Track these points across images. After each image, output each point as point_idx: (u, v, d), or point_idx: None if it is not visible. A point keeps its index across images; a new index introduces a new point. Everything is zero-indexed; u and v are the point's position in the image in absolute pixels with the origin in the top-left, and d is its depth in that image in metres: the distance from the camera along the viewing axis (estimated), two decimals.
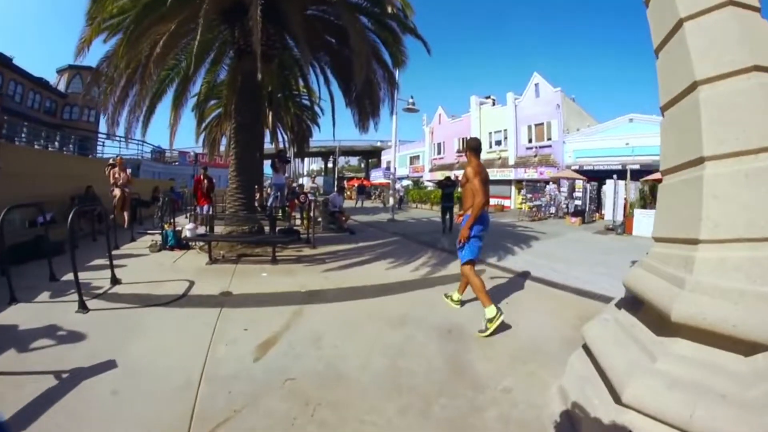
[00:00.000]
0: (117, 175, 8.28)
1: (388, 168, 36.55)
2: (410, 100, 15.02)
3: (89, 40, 6.56)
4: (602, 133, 19.97)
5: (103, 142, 20.18)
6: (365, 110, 8.66)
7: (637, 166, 15.38)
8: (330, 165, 51.77)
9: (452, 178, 12.57)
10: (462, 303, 4.03)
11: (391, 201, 16.69)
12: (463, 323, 3.53)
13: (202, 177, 8.79)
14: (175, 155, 29.53)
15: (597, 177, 17.74)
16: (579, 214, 14.97)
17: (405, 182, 29.68)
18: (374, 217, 15.09)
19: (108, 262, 4.52)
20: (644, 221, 11.34)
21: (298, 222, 10.80)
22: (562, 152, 21.19)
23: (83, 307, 3.43)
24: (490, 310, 3.29)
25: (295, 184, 15.43)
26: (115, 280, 4.32)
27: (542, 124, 22.42)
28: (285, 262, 6.02)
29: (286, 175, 14.30)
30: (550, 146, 21.93)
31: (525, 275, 5.56)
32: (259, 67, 5.25)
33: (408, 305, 4.04)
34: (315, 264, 5.95)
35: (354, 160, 69.72)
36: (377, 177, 38.21)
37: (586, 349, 2.43)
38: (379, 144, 45.58)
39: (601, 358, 2.08)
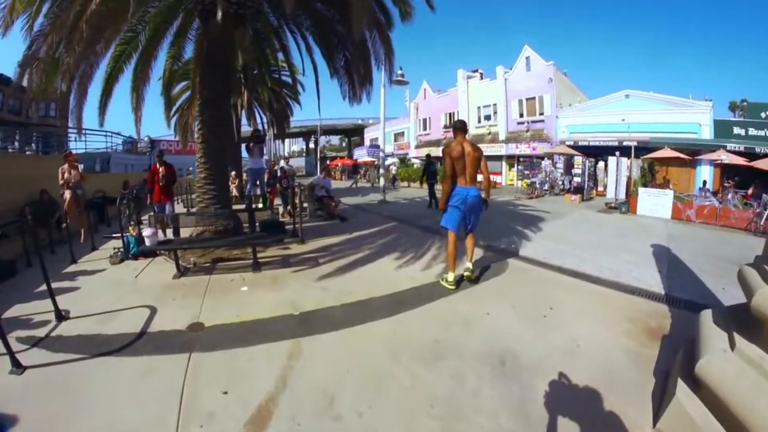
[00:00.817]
0: (67, 174, 6.89)
1: (373, 146, 35.34)
2: (399, 72, 13.85)
3: (13, 10, 5.27)
4: (597, 109, 19.40)
5: (75, 138, 18.18)
6: (356, 79, 7.56)
7: (633, 143, 14.87)
8: (312, 145, 49.97)
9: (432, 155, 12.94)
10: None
11: (382, 181, 15.71)
12: (515, 349, 2.85)
13: (158, 165, 7.03)
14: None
15: (592, 153, 17.23)
16: (578, 191, 14.48)
17: (392, 159, 28.53)
18: (364, 199, 14.23)
19: (62, 285, 3.78)
20: (649, 200, 10.90)
21: (280, 210, 9.77)
22: (555, 127, 20.51)
23: (17, 366, 2.56)
24: (450, 275, 4.19)
25: (276, 167, 14.11)
26: (60, 316, 3.36)
27: (534, 98, 21.59)
28: (269, 265, 5.10)
29: (266, 157, 13.02)
30: (542, 121, 21.19)
31: (554, 268, 5.05)
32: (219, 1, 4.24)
33: (436, 325, 3.26)
34: (306, 267, 5.05)
35: (335, 140, 67.74)
36: (361, 155, 36.99)
37: (691, 383, 2.01)
38: (360, 122, 44.07)
39: (738, 407, 1.68)
